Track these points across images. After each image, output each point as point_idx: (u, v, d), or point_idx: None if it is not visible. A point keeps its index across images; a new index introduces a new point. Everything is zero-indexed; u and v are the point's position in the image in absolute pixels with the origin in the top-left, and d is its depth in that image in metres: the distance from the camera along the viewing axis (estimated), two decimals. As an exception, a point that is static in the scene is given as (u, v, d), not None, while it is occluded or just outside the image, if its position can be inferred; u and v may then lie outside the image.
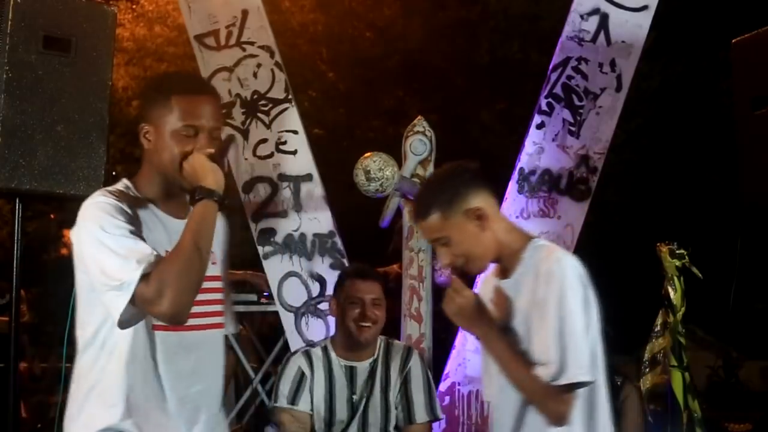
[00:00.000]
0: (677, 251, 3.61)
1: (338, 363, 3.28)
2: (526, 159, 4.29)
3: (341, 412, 3.25)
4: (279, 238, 4.27)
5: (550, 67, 4.33)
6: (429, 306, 3.83)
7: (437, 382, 3.95)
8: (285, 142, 4.31)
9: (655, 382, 3.69)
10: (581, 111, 4.29)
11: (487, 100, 10.50)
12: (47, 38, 3.20)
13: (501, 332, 2.15)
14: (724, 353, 9.15)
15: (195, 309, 2.01)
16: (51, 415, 2.16)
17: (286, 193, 4.27)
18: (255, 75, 4.32)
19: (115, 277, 1.93)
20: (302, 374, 3.25)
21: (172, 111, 2.09)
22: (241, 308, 4.54)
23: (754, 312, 7.62)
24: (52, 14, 3.22)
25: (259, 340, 5.15)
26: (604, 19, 4.30)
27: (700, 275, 3.61)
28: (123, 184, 2.16)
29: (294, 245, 4.26)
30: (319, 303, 4.21)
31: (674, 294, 3.60)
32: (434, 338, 3.90)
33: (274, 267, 4.27)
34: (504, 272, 2.22)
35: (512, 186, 4.28)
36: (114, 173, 2.25)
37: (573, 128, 4.29)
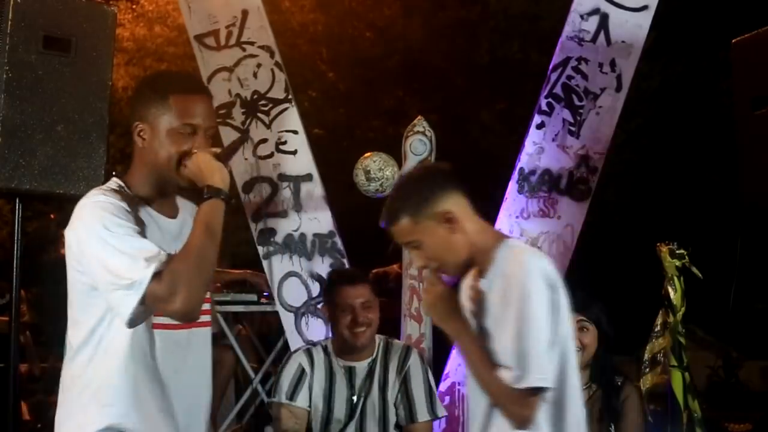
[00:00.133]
0: (677, 251, 3.60)
1: (338, 363, 3.28)
2: (526, 159, 4.29)
3: (339, 411, 3.25)
4: (279, 238, 4.27)
5: (550, 67, 4.33)
6: (429, 306, 3.83)
7: (437, 381, 3.95)
8: (285, 142, 4.31)
9: (655, 382, 3.68)
10: (581, 111, 4.29)
11: (487, 100, 10.50)
12: (47, 38, 3.20)
13: (473, 331, 2.15)
14: (724, 353, 9.15)
15: None
16: (51, 415, 2.14)
17: (286, 193, 4.28)
18: (255, 75, 4.32)
19: (124, 276, 1.93)
20: (302, 371, 3.25)
21: (170, 110, 2.08)
22: (241, 308, 4.55)
23: (754, 312, 7.63)
24: (52, 14, 3.22)
25: (259, 340, 5.15)
26: (604, 19, 4.30)
27: (700, 275, 3.59)
28: (115, 183, 2.14)
29: (294, 245, 4.26)
30: (319, 303, 4.21)
31: (674, 294, 3.59)
32: (434, 338, 3.90)
33: (274, 267, 4.27)
34: (481, 272, 2.20)
35: (512, 186, 4.28)
36: (114, 173, 2.22)
37: (573, 128, 4.29)
